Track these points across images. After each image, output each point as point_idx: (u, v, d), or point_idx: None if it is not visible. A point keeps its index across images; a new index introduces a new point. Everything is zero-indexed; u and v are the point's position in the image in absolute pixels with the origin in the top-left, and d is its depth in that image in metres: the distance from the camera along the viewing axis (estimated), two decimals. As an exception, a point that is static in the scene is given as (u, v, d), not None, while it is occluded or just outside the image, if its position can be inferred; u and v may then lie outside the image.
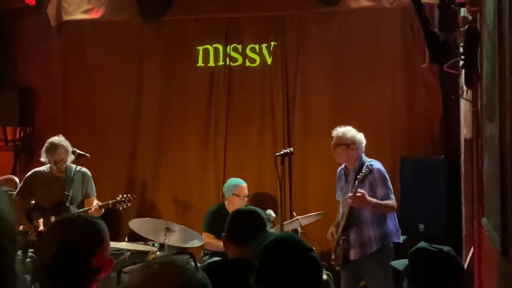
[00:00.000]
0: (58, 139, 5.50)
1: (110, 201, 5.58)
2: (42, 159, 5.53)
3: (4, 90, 7.15)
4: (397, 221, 5.10)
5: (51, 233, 2.18)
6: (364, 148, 5.11)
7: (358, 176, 4.85)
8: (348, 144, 5.03)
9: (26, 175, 5.69)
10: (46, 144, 5.53)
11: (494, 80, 2.79)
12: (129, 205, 5.73)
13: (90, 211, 5.41)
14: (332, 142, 5.12)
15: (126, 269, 1.34)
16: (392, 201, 4.95)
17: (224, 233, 3.00)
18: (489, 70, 3.10)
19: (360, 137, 5.10)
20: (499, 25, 2.62)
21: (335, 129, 5.15)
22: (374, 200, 4.81)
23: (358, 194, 4.74)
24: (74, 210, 5.46)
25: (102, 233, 2.19)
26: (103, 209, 5.51)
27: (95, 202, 5.51)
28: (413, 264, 2.70)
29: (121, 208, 5.73)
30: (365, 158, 5.08)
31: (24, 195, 5.56)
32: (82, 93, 7.24)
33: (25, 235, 5.14)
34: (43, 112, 7.28)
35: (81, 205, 5.61)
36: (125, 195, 5.68)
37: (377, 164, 5.01)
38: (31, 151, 7.22)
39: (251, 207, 3.16)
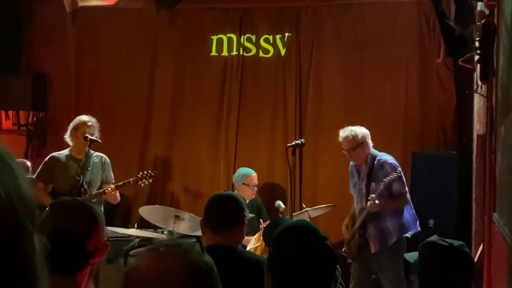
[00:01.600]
0: (87, 117, 5.53)
1: (131, 179, 5.58)
2: (66, 137, 5.52)
3: (18, 75, 7.18)
4: (413, 210, 5.12)
5: (47, 215, 2.18)
6: (371, 142, 5.12)
7: (384, 180, 4.85)
8: (361, 142, 5.05)
9: (45, 160, 5.65)
10: (75, 121, 5.52)
11: (510, 74, 2.76)
12: (150, 181, 5.73)
13: (106, 193, 5.39)
14: (343, 149, 5.13)
15: (133, 251, 1.34)
16: (403, 198, 4.96)
17: (201, 219, 2.94)
18: (505, 64, 3.07)
19: (364, 131, 5.11)
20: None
21: (339, 136, 5.15)
22: (383, 202, 4.84)
23: (377, 202, 4.79)
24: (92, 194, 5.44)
25: (97, 217, 2.17)
26: (118, 194, 5.48)
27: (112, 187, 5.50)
28: (422, 257, 2.68)
29: (143, 185, 5.73)
30: (374, 151, 5.09)
31: (44, 179, 5.50)
32: (95, 79, 7.26)
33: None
34: (56, 98, 7.31)
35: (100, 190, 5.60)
36: (145, 172, 5.69)
37: (389, 159, 5.01)
38: (44, 136, 7.25)
39: (229, 192, 3.10)
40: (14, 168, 0.81)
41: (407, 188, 5.03)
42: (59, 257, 2.04)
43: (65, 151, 5.59)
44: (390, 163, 4.95)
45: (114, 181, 5.65)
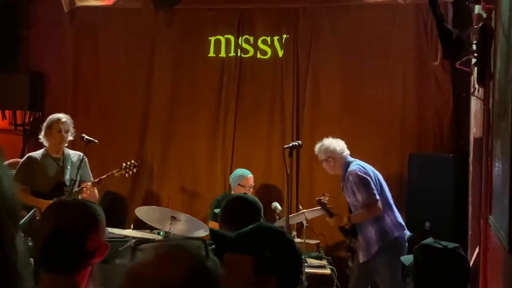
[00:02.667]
0: (61, 114, 5.49)
1: (114, 171, 5.54)
2: (41, 137, 5.47)
3: (15, 74, 7.16)
4: (396, 214, 5.10)
5: (47, 214, 2.18)
6: (344, 153, 5.16)
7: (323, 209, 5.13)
8: (325, 159, 5.21)
9: (22, 160, 5.52)
10: (49, 120, 5.45)
11: (507, 77, 2.77)
12: (134, 171, 5.69)
13: (84, 190, 5.31)
14: None
15: (142, 246, 1.35)
16: (370, 207, 4.95)
17: (220, 217, 3.01)
18: (502, 67, 3.08)
19: (334, 146, 5.18)
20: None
21: (315, 146, 5.33)
22: (346, 219, 5.03)
23: (334, 219, 5.10)
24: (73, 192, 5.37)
25: (98, 217, 2.17)
26: (96, 192, 5.41)
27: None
28: (417, 259, 2.68)
29: (127, 175, 5.70)
30: (349, 161, 5.16)
31: (22, 180, 5.24)
32: (92, 79, 7.26)
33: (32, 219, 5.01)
34: (54, 97, 7.30)
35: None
36: (128, 162, 5.65)
37: (353, 167, 5.04)
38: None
39: (251, 196, 3.16)
40: None
41: (377, 196, 4.99)
42: (59, 256, 2.04)
43: (41, 151, 5.49)
44: (354, 173, 4.99)
45: (92, 180, 5.56)
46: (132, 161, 5.68)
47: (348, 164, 5.09)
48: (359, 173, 4.97)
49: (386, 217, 4.99)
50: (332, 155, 5.12)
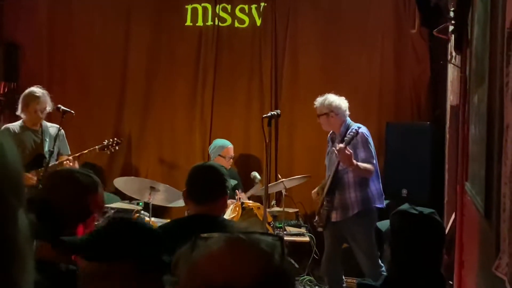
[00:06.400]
0: (39, 89, 5.40)
1: (97, 146, 5.51)
2: (19, 112, 5.40)
3: (-11, 45, 7.02)
4: (381, 186, 5.12)
5: (44, 184, 2.30)
6: (346, 112, 5.11)
7: (345, 138, 4.86)
8: (327, 113, 5.07)
9: None
10: (26, 94, 5.36)
11: (485, 44, 2.78)
12: (117, 148, 5.67)
13: (64, 164, 5.25)
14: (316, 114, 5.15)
15: (204, 235, 1.19)
16: (369, 165, 4.95)
17: (184, 190, 2.93)
18: (480, 35, 3.09)
19: (339, 102, 5.10)
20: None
21: (316, 100, 5.15)
22: (356, 163, 4.83)
23: (347, 152, 4.75)
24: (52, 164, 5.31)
25: (92, 184, 2.39)
26: (77, 165, 5.37)
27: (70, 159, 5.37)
28: (393, 226, 2.71)
29: (109, 152, 5.67)
30: (350, 122, 5.09)
31: None
32: (68, 49, 7.14)
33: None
34: (29, 68, 7.16)
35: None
36: (111, 139, 5.62)
37: (362, 129, 5.02)
38: (16, 107, 7.13)
39: (210, 163, 3.08)
40: (1, 143, 0.79)
41: (375, 161, 5.02)
42: (51, 223, 2.13)
43: (19, 123, 5.40)
44: (362, 132, 4.97)
45: (69, 153, 5.49)
46: (115, 139, 5.65)
47: (348, 124, 5.06)
48: (366, 134, 4.98)
49: (371, 185, 5.01)
50: (336, 110, 5.05)
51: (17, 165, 0.79)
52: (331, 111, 5.06)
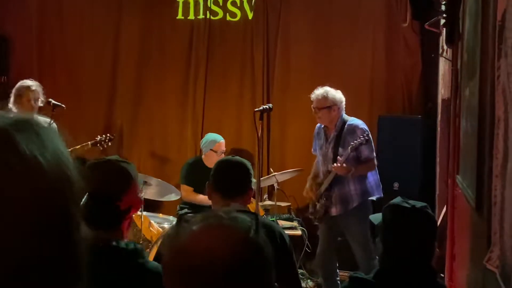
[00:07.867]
0: (32, 81, 5.38)
1: (89, 142, 5.51)
2: (10, 105, 5.38)
3: (-22, 38, 6.96)
4: (378, 176, 5.14)
5: (93, 176, 2.27)
6: (344, 106, 5.10)
7: (352, 143, 4.85)
8: (330, 106, 4.97)
9: None
10: (19, 85, 5.36)
11: (476, 37, 2.78)
12: (109, 144, 5.67)
13: None
14: (313, 106, 5.04)
15: (187, 216, 1.29)
16: (370, 163, 4.98)
17: (208, 182, 3.00)
18: (471, 28, 3.09)
19: (340, 95, 5.07)
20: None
21: (313, 92, 5.09)
22: (353, 169, 4.85)
23: (344, 167, 4.79)
24: None
25: (129, 176, 2.31)
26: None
27: None
28: (385, 219, 2.71)
29: (101, 148, 5.67)
30: (345, 116, 5.07)
31: None
32: (58, 42, 7.09)
33: None
34: (19, 61, 7.12)
35: None
36: (104, 135, 5.62)
37: (360, 124, 5.01)
38: (6, 101, 7.08)
39: (238, 157, 3.13)
40: (62, 152, 0.75)
41: (375, 154, 5.05)
42: (94, 219, 2.12)
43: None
44: (361, 128, 4.96)
45: None
46: (108, 134, 5.64)
47: (343, 118, 5.03)
48: (365, 129, 4.97)
49: (369, 176, 5.04)
50: (339, 104, 4.99)
51: (78, 178, 0.77)
52: (335, 104, 4.97)
